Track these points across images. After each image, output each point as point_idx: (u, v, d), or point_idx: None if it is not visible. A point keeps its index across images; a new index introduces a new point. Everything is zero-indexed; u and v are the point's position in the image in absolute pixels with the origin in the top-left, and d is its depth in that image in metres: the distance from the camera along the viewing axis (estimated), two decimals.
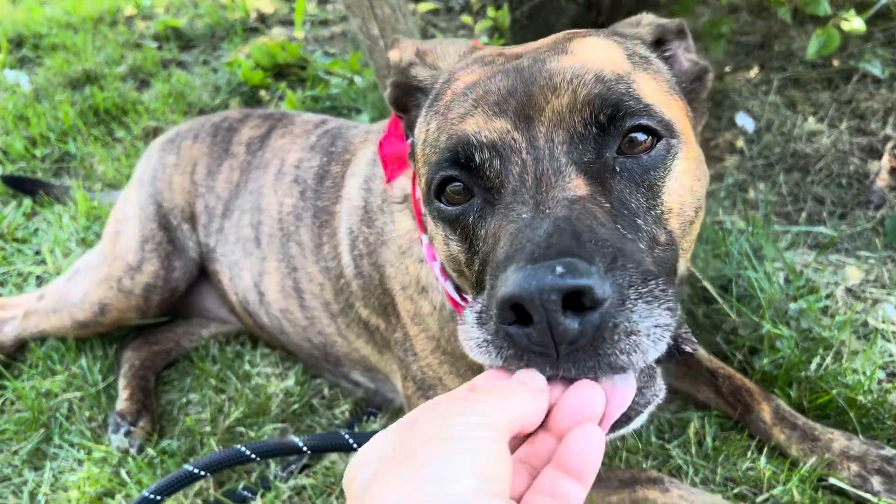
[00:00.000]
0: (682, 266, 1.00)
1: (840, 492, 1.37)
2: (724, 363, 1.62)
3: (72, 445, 1.74)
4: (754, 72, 2.75)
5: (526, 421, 0.66)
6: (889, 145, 2.21)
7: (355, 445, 1.27)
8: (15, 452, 1.74)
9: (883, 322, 1.74)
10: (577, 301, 0.69)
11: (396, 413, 1.75)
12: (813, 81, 2.63)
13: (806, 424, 1.45)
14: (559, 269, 0.68)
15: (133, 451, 1.68)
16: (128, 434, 1.70)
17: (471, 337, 0.79)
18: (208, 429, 1.73)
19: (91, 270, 1.93)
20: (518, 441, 0.71)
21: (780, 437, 1.46)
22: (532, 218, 0.81)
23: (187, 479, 1.29)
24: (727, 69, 2.79)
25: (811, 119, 2.46)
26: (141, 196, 1.97)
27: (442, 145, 0.97)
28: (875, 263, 1.93)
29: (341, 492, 1.54)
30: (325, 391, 1.86)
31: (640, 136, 0.91)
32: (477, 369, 1.17)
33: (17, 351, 2.03)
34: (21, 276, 2.34)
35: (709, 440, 1.51)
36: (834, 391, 1.50)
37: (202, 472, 1.29)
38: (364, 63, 3.31)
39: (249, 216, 1.83)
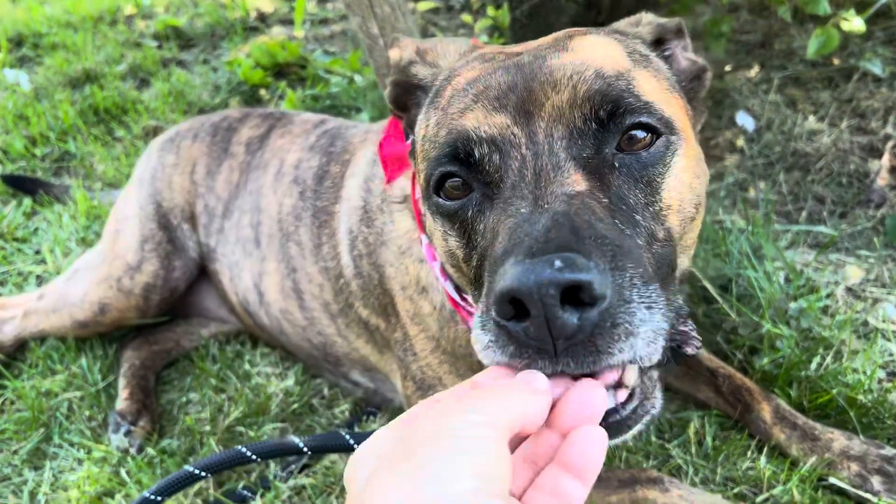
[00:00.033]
0: (685, 263, 1.00)
1: (840, 491, 1.37)
2: (724, 363, 1.62)
3: (72, 445, 1.74)
4: (755, 70, 2.75)
5: (527, 421, 0.66)
6: (889, 144, 2.20)
7: (356, 446, 1.27)
8: (15, 452, 1.74)
9: (883, 321, 1.73)
10: (574, 296, 0.68)
11: (396, 413, 1.75)
12: (813, 80, 2.63)
13: (806, 424, 1.45)
14: (558, 264, 0.68)
15: (133, 450, 1.68)
16: (128, 433, 1.70)
17: (478, 341, 0.79)
18: (208, 428, 1.73)
19: (91, 270, 1.93)
20: (519, 440, 0.70)
21: (780, 436, 1.46)
22: (531, 213, 0.81)
23: (188, 480, 1.29)
24: (727, 68, 2.79)
25: (811, 118, 2.45)
26: (140, 195, 1.97)
27: (441, 140, 0.97)
28: (875, 262, 1.93)
29: (341, 491, 1.54)
30: (325, 391, 1.86)
31: (640, 134, 0.91)
32: (477, 369, 1.16)
33: (17, 350, 2.03)
34: (21, 275, 2.34)
35: (709, 440, 1.51)
36: (834, 391, 1.49)
37: (202, 473, 1.29)
38: (364, 62, 3.31)
39: (249, 216, 1.83)
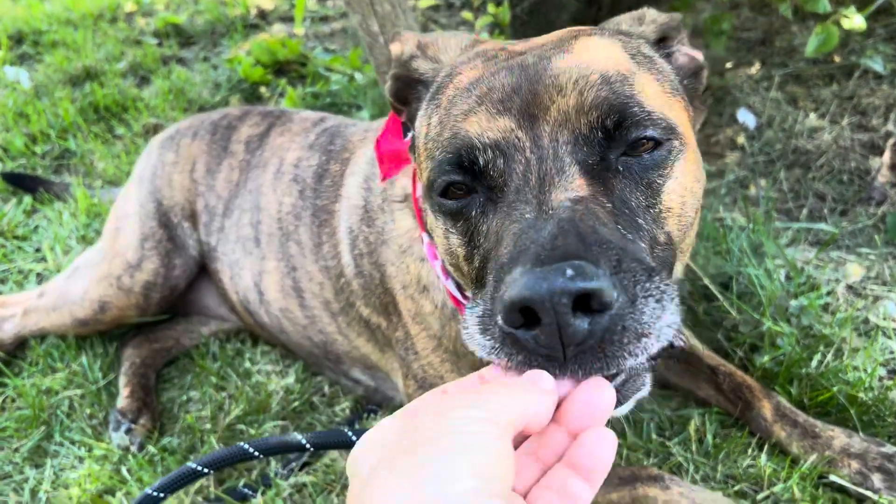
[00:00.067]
0: (679, 269, 1.00)
1: (841, 489, 1.37)
2: (725, 360, 1.62)
3: (73, 443, 1.74)
4: (755, 68, 2.75)
5: (531, 420, 0.65)
6: (890, 142, 2.20)
7: None
8: (16, 450, 1.74)
9: (884, 319, 1.73)
10: (584, 303, 0.69)
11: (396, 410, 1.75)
12: (814, 77, 2.62)
13: (806, 422, 1.45)
14: (569, 272, 0.68)
15: (134, 448, 1.69)
16: (128, 431, 1.70)
17: (476, 342, 0.79)
18: (209, 426, 1.73)
19: (91, 268, 1.93)
20: (523, 437, 0.70)
21: (780, 434, 1.46)
22: (535, 218, 0.81)
23: (190, 477, 1.29)
24: (728, 65, 2.79)
25: (812, 115, 2.45)
26: (141, 193, 1.97)
27: (444, 143, 0.97)
28: (876, 260, 1.93)
29: (342, 489, 1.55)
30: (326, 389, 1.86)
31: (644, 140, 0.91)
32: (479, 367, 1.16)
33: (18, 348, 2.03)
34: (21, 273, 2.34)
35: (709, 437, 1.51)
36: (835, 388, 1.49)
37: (205, 470, 1.29)
38: (364, 59, 3.31)
39: (249, 215, 1.83)
